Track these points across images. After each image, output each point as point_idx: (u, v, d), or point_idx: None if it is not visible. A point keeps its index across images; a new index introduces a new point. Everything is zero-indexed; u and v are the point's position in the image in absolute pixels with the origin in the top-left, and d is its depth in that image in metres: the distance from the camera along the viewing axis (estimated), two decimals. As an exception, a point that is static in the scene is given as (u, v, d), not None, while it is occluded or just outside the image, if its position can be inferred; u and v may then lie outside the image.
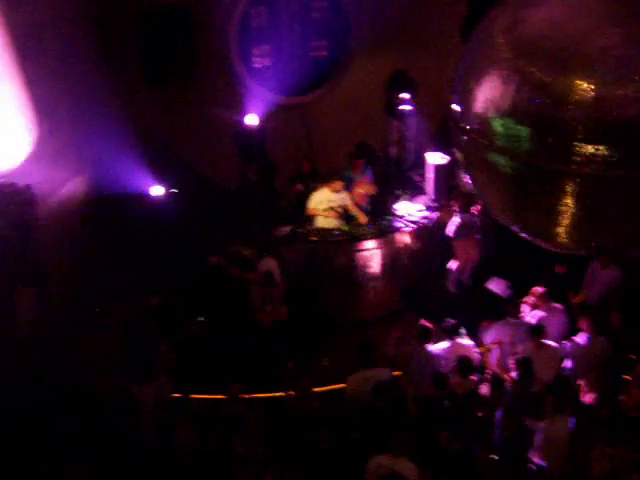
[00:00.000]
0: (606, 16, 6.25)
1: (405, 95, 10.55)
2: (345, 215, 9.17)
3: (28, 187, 7.14)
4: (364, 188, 9.37)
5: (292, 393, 6.82)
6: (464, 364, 6.69)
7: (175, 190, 9.40)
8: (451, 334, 7.19)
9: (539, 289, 7.59)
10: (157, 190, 9.16)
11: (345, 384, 6.90)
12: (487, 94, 6.35)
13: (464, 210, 8.94)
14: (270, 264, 8.46)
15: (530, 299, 7.65)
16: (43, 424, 6.45)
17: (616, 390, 6.41)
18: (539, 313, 7.47)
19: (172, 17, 9.58)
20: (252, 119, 9.98)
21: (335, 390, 7.32)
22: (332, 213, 9.06)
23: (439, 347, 7.13)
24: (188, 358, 7.78)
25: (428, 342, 7.07)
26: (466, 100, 6.71)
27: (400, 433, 5.66)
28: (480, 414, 6.39)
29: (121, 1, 9.39)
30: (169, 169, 9.63)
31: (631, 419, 6.09)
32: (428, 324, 7.31)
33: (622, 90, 5.80)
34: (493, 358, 7.23)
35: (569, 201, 6.05)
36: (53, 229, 7.88)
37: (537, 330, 6.99)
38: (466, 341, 7.24)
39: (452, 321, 7.29)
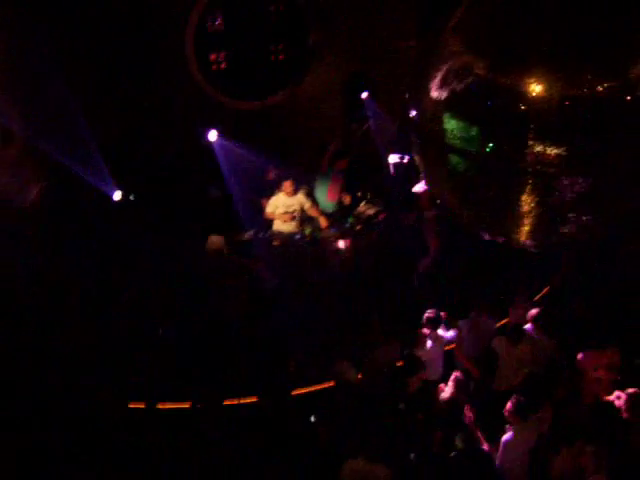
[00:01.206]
0: (558, 14, 6.31)
1: (365, 96, 10.60)
2: (306, 218, 9.22)
3: None
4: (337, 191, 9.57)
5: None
6: (410, 362, 6.67)
7: (134, 196, 9.35)
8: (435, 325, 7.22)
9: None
10: (117, 195, 9.12)
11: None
12: (438, 93, 6.39)
13: (429, 207, 9.02)
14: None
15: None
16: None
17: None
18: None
19: (126, 22, 9.52)
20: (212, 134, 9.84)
21: (301, 394, 7.38)
22: (288, 217, 9.12)
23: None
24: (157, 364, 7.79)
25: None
26: (419, 99, 6.76)
27: (373, 437, 5.66)
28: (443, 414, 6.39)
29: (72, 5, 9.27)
30: (131, 175, 9.58)
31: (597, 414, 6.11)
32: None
33: (574, 89, 5.85)
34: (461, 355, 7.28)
35: (522, 199, 6.10)
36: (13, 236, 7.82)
37: (515, 330, 7.07)
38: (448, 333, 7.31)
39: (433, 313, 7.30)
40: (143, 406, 7.09)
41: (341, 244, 9.05)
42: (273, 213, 9.19)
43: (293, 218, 9.14)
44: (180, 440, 6.58)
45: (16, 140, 8.16)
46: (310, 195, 9.42)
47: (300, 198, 9.19)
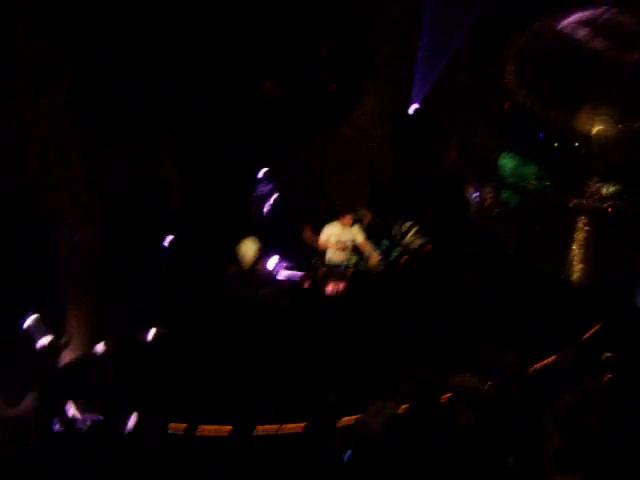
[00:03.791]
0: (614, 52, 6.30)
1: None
2: (356, 249, 9.26)
3: None
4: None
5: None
6: None
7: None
8: None
9: None
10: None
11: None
12: (495, 131, 6.41)
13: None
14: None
15: None
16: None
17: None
18: None
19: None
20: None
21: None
22: (341, 247, 9.17)
23: None
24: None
25: None
26: (476, 138, 6.77)
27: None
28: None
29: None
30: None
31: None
32: None
33: (629, 128, 5.82)
34: None
35: (578, 236, 6.05)
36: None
37: None
38: None
39: None
40: (183, 429, 7.06)
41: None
42: (326, 242, 9.24)
43: (345, 248, 9.19)
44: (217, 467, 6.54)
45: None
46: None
47: (354, 231, 9.24)
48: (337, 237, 9.18)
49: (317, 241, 9.31)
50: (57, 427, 6.19)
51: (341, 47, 10.71)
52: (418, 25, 10.45)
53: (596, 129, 5.93)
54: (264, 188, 10.43)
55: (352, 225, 9.21)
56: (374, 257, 9.24)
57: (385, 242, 9.59)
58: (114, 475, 6.06)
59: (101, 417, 6.42)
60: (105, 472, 6.00)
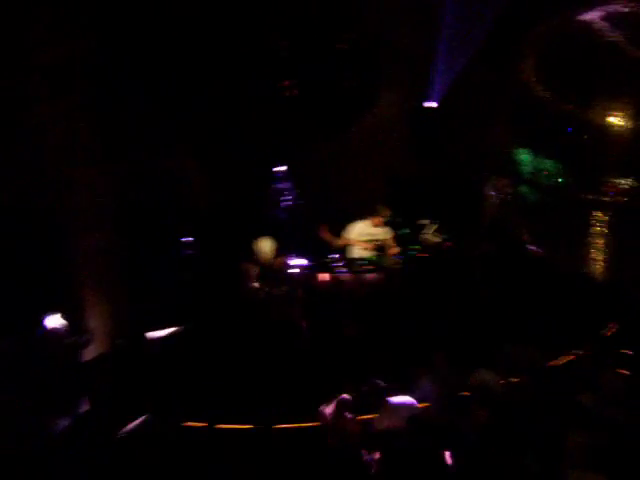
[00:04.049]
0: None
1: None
2: (380, 247, 9.29)
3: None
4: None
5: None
6: None
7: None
8: None
9: None
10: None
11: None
12: (514, 127, 6.36)
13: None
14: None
15: None
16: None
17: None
18: None
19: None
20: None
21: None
22: (370, 245, 9.21)
23: None
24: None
25: None
26: (493, 134, 6.73)
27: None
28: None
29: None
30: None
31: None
32: None
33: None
34: None
35: (595, 231, 5.98)
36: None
37: None
38: None
39: None
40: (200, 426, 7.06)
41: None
42: (353, 239, 9.26)
43: (373, 247, 9.22)
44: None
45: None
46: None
47: (385, 230, 9.28)
48: (368, 236, 9.23)
49: (337, 239, 9.32)
50: (65, 426, 6.19)
51: (359, 44, 10.71)
52: (437, 22, 10.40)
53: (612, 122, 5.85)
54: (282, 185, 10.45)
55: (382, 225, 9.24)
56: (392, 251, 9.23)
57: (404, 230, 9.58)
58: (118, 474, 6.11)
59: (114, 416, 6.44)
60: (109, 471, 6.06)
